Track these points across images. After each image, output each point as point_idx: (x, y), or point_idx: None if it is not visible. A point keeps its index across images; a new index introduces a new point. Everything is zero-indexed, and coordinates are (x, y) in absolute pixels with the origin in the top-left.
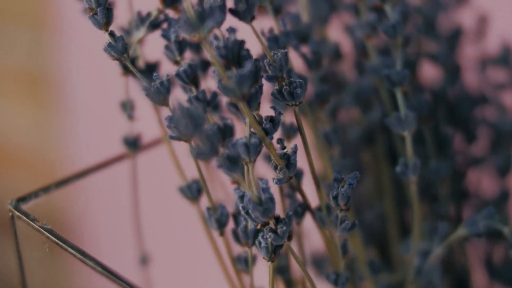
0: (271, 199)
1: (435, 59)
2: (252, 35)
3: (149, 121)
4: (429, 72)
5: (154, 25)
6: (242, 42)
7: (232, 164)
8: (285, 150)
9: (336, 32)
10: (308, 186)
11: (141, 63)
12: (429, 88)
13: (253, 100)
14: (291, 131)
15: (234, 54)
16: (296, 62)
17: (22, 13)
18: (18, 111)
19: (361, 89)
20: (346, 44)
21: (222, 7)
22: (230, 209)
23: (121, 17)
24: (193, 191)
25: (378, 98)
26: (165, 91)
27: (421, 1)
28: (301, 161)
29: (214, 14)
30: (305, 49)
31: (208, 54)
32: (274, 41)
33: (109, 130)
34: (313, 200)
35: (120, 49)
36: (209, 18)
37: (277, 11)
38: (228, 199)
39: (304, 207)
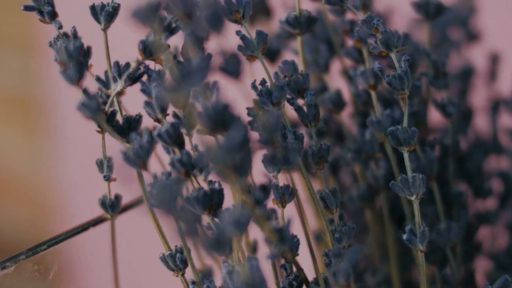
0: (262, 281)
1: (444, 107)
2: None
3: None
4: (438, 120)
5: (133, 78)
6: (228, 106)
7: (218, 245)
8: (278, 223)
9: (336, 79)
10: (305, 252)
11: (119, 119)
12: (438, 137)
13: (242, 168)
14: (285, 194)
15: (221, 118)
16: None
17: (11, 38)
18: (7, 136)
19: (364, 143)
20: (347, 92)
21: (207, 66)
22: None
23: (100, 65)
24: (177, 262)
25: (383, 153)
26: (145, 154)
27: (428, 41)
28: (297, 223)
29: (200, 73)
30: (301, 101)
31: (191, 120)
32: (267, 95)
33: (99, 156)
34: (311, 268)
35: (94, 108)
36: (194, 78)
37: (273, 57)
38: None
39: (300, 280)
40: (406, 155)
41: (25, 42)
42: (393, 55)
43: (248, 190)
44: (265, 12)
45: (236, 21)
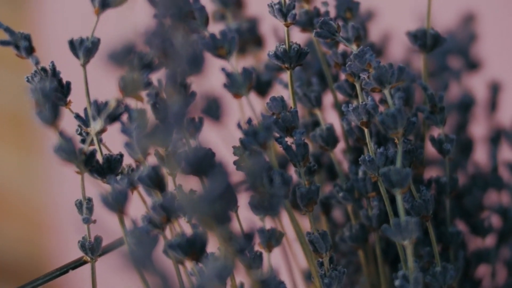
0: None
1: (440, 145)
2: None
3: None
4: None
5: (113, 117)
6: (208, 152)
7: None
8: (262, 273)
9: (329, 112)
10: None
11: (100, 158)
12: (435, 176)
13: (223, 217)
14: (272, 238)
15: (201, 164)
16: None
17: (4, 55)
18: (1, 153)
19: (357, 182)
20: (340, 126)
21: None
22: None
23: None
24: None
25: (376, 192)
26: (123, 199)
27: (424, 73)
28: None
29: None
30: (290, 139)
31: (169, 168)
32: (252, 136)
33: None
34: None
35: (70, 151)
36: (173, 123)
37: (264, 90)
38: None
39: None
40: (399, 197)
41: (18, 59)
42: (386, 92)
43: (230, 238)
44: (257, 42)
45: (221, 57)
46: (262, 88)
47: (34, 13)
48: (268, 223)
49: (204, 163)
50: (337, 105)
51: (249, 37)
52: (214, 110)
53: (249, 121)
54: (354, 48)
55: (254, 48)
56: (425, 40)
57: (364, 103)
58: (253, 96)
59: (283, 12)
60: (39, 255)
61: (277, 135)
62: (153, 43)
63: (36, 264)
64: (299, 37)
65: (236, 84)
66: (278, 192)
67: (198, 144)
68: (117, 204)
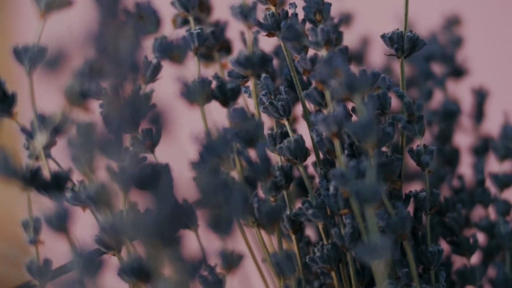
0: None
1: (419, 157)
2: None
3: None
4: (415, 168)
5: (59, 130)
6: (160, 169)
7: None
8: None
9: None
10: None
11: (47, 174)
12: (419, 186)
13: (171, 240)
14: (233, 261)
15: (148, 182)
16: None
17: None
18: None
19: (328, 198)
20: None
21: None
22: None
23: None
24: None
25: (349, 208)
26: (67, 218)
27: (401, 80)
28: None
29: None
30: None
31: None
32: (208, 151)
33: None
34: None
35: (9, 168)
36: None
37: (232, 99)
38: None
39: None
40: (370, 214)
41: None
42: (357, 100)
43: (179, 261)
44: (224, 48)
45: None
46: (227, 96)
47: (12, 18)
48: (233, 243)
49: (150, 180)
50: (306, 115)
51: (214, 43)
52: (163, 120)
53: (207, 133)
54: (323, 52)
55: (222, 54)
56: (402, 43)
57: (334, 112)
58: (216, 106)
59: (244, 14)
60: (20, 272)
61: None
62: (95, 48)
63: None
64: (270, 41)
65: (192, 93)
66: (231, 211)
67: (144, 158)
68: (60, 224)
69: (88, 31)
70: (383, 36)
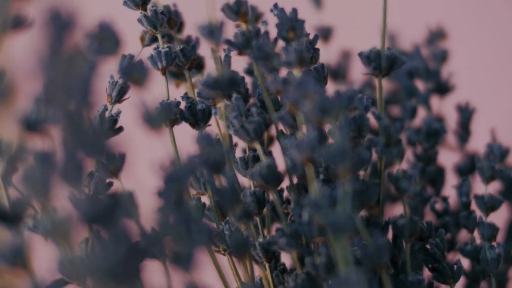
0: None
1: (396, 182)
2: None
3: None
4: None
5: (16, 159)
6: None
7: None
8: None
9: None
10: None
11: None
12: (399, 208)
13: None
14: None
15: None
16: None
17: None
18: None
19: (301, 226)
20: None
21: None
22: None
23: None
24: None
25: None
26: (20, 252)
27: (379, 101)
28: None
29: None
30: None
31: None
32: (171, 181)
33: None
34: None
35: None
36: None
37: (197, 123)
38: None
39: None
40: (343, 245)
41: None
42: (331, 124)
43: None
44: (196, 66)
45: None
46: (198, 118)
47: None
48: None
49: (104, 214)
50: (279, 137)
51: (184, 61)
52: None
53: (171, 160)
54: (296, 72)
55: (194, 72)
56: (379, 62)
57: (306, 137)
58: (186, 128)
59: (212, 34)
60: None
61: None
62: (45, 74)
63: None
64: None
65: (153, 119)
66: (192, 244)
67: (110, 183)
68: (14, 258)
69: (38, 57)
70: (360, 54)
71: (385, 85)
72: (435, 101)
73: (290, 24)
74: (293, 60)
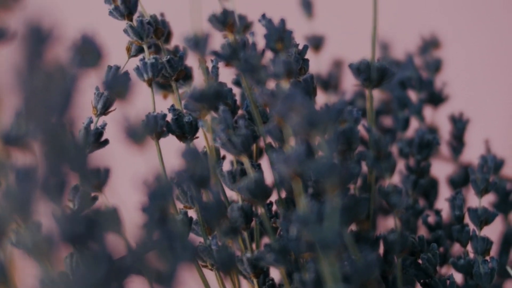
0: None
1: (387, 196)
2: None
3: None
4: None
5: None
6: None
7: None
8: None
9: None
10: None
11: None
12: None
13: None
14: None
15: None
16: None
17: None
18: None
19: (289, 242)
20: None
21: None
22: None
23: None
24: None
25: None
26: (1, 269)
27: (369, 114)
28: None
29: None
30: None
31: None
32: (155, 197)
33: None
34: None
35: None
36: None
37: (184, 136)
38: None
39: None
40: (331, 262)
41: None
42: (320, 137)
43: None
44: (185, 76)
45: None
46: (185, 130)
47: None
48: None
49: (85, 232)
50: (268, 150)
51: (171, 72)
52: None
53: (157, 177)
54: (284, 84)
55: (185, 82)
56: (369, 73)
57: (294, 152)
58: (173, 141)
59: (198, 46)
60: None
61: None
62: (23, 89)
63: None
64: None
65: (135, 135)
66: (175, 263)
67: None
68: None
69: (17, 70)
70: (350, 66)
71: (378, 95)
72: (429, 112)
73: (278, 34)
74: (281, 72)
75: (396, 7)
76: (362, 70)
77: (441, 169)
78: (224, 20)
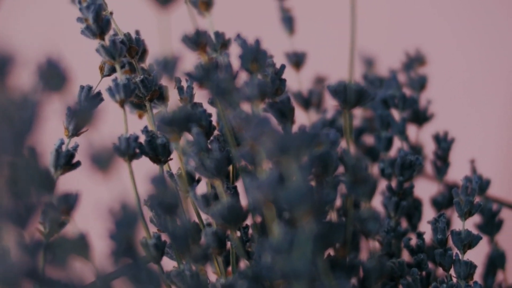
0: None
1: (362, 223)
2: None
3: None
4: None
5: None
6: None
7: None
8: None
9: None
10: None
11: None
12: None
13: None
14: None
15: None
16: None
17: None
18: None
19: (262, 269)
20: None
21: None
22: None
23: None
24: None
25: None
26: None
27: (347, 136)
28: None
29: None
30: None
31: None
32: (121, 225)
33: None
34: None
35: None
36: None
37: (158, 158)
38: None
39: None
40: None
41: None
42: (290, 164)
43: None
44: (159, 96)
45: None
46: (158, 152)
47: None
48: None
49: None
50: (242, 174)
51: (145, 92)
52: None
53: (124, 204)
54: (257, 107)
55: (160, 103)
56: (345, 95)
57: (266, 178)
58: (146, 163)
59: (166, 66)
60: None
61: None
62: None
63: None
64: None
65: (100, 161)
66: None
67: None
68: None
69: None
70: (328, 87)
71: (361, 113)
72: (414, 130)
73: (253, 55)
74: (255, 94)
75: (383, 24)
76: (339, 92)
77: (426, 189)
78: (197, 40)
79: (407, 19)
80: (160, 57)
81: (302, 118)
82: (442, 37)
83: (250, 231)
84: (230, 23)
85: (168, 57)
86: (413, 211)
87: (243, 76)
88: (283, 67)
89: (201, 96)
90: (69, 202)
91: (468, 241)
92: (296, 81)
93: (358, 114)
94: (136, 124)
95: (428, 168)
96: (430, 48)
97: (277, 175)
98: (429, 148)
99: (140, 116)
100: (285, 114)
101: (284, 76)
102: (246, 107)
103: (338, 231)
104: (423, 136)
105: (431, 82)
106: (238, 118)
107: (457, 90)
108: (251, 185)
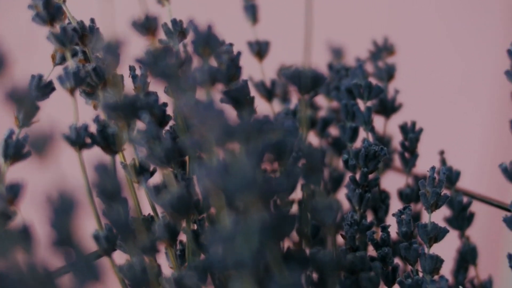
0: None
1: (316, 212)
2: None
3: None
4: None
5: None
6: None
7: None
8: None
9: None
10: None
11: None
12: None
13: None
14: None
15: None
16: None
17: None
18: None
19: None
20: None
21: None
22: None
23: None
24: None
25: None
26: None
27: (304, 120)
28: None
29: None
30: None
31: None
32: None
33: None
34: None
35: None
36: None
37: (109, 148)
38: None
39: None
40: (245, 281)
41: None
42: (236, 151)
43: None
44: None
45: None
46: (109, 142)
47: None
48: None
49: None
50: (192, 164)
51: (97, 80)
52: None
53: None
54: (210, 93)
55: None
56: (300, 81)
57: (216, 164)
58: (98, 153)
59: (109, 51)
60: None
61: None
62: None
63: None
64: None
65: (35, 146)
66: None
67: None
68: None
69: None
70: (283, 73)
71: (327, 104)
72: (381, 121)
73: (205, 40)
74: (205, 80)
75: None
76: (294, 78)
77: (396, 183)
78: (147, 24)
79: (383, 11)
80: (104, 42)
81: (264, 108)
82: (413, 26)
83: (207, 223)
84: (199, 15)
85: (112, 41)
86: (380, 204)
87: (196, 63)
88: (239, 54)
89: (160, 86)
90: (14, 191)
91: (434, 234)
92: (260, 71)
93: (325, 104)
94: (93, 115)
95: (398, 161)
96: (399, 37)
97: (226, 162)
98: (399, 140)
99: (95, 107)
100: (241, 102)
101: (249, 67)
102: (200, 94)
103: (290, 221)
104: (394, 129)
105: (401, 72)
106: (188, 105)
107: (429, 81)
108: (200, 173)
